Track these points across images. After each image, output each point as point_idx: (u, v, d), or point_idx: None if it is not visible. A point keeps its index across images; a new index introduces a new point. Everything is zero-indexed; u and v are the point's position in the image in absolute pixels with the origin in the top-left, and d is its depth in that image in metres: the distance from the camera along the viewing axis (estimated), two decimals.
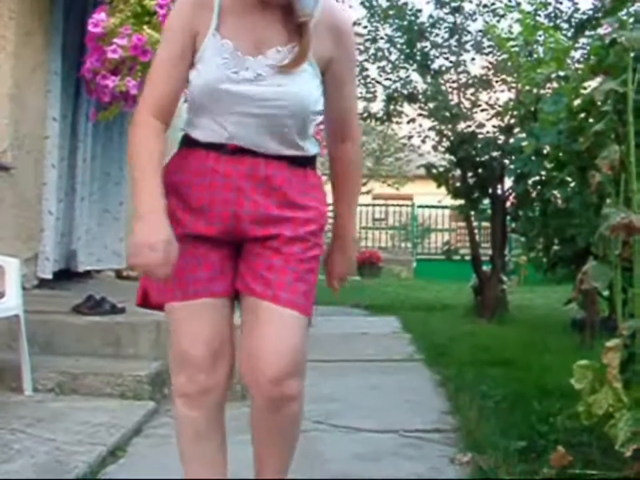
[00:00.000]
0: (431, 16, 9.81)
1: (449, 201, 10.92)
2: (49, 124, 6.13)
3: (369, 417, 3.51)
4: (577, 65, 7.55)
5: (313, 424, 3.38)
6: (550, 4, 9.33)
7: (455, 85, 9.87)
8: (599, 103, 3.46)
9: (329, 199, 2.23)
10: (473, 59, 9.92)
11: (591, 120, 4.33)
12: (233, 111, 2.05)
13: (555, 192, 6.72)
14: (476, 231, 10.66)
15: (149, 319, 4.56)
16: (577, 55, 8.23)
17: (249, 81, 2.03)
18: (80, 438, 3.31)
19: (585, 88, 4.97)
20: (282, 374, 2.03)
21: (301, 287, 2.09)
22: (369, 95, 10.14)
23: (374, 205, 21.08)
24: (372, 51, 9.97)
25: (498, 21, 9.66)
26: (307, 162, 2.17)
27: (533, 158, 6.85)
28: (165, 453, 3.36)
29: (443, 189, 9.72)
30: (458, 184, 9.59)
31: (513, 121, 9.00)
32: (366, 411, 3.48)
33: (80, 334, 4.59)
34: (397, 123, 10.80)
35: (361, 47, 9.79)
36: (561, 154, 5.16)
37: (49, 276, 6.08)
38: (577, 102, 4.99)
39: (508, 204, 9.29)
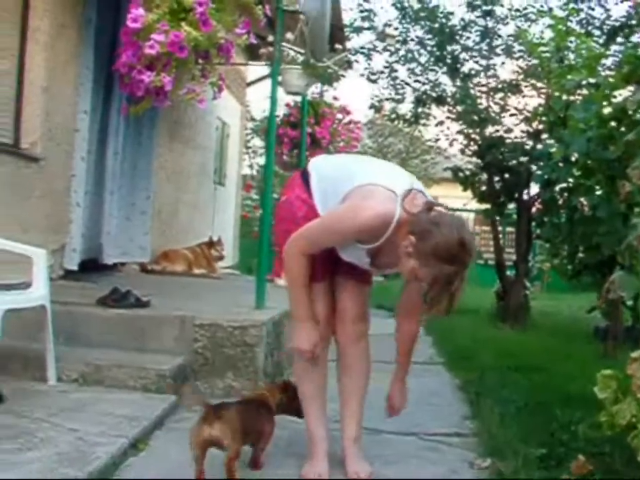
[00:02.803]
0: (462, 19, 9.81)
1: (474, 204, 10.91)
2: (80, 117, 6.19)
3: (389, 419, 3.51)
4: (607, 72, 7.50)
5: (334, 423, 3.38)
6: (582, 10, 9.28)
7: (484, 89, 9.85)
8: (631, 112, 3.45)
9: None
10: (503, 63, 9.90)
11: (622, 129, 4.31)
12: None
13: (582, 199, 6.69)
14: (500, 235, 10.63)
15: (174, 314, 4.59)
16: (608, 62, 8.17)
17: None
18: (102, 429, 3.33)
19: (615, 96, 4.95)
20: (356, 317, 3.24)
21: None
22: (397, 97, 10.12)
23: None
24: (402, 52, 9.96)
25: (529, 26, 9.64)
26: None
27: (561, 164, 6.82)
28: (186, 447, 3.38)
29: (469, 192, 9.71)
30: (484, 188, 9.57)
31: (541, 126, 8.96)
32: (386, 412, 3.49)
33: (104, 326, 4.62)
34: (425, 125, 10.79)
35: (392, 49, 9.80)
36: (589, 161, 5.14)
37: (75, 267, 6.14)
38: (607, 110, 4.98)
39: (533, 210, 9.25)
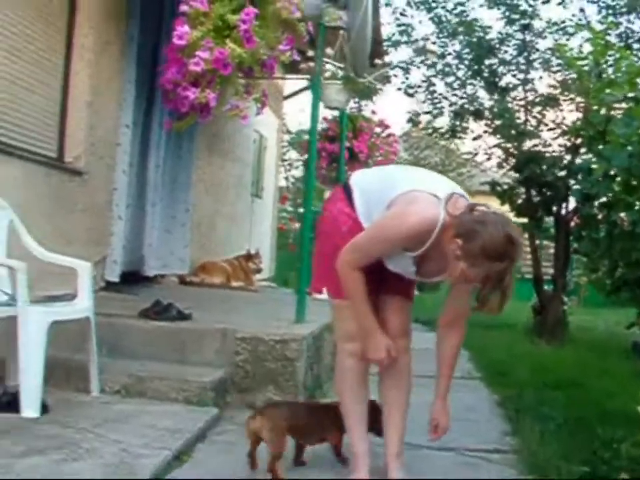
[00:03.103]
0: (499, 33, 9.81)
1: (510, 218, 10.83)
2: (122, 130, 6.28)
3: (427, 434, 3.52)
4: None
5: (374, 438, 3.41)
6: (621, 23, 9.25)
7: (521, 103, 9.83)
8: None
9: None
10: (541, 77, 9.88)
11: None
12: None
13: (622, 215, 6.64)
14: (537, 250, 10.57)
15: (215, 327, 4.64)
16: None
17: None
18: (146, 441, 3.38)
19: None
20: (399, 332, 3.29)
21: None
22: (435, 111, 10.13)
23: None
24: (440, 66, 9.98)
25: (567, 39, 9.61)
26: None
27: (600, 179, 6.79)
28: (229, 460, 3.43)
29: (505, 206, 9.68)
30: (521, 201, 9.55)
31: (579, 141, 8.92)
32: (425, 427, 3.49)
33: (146, 338, 4.67)
34: (461, 138, 10.80)
35: (430, 63, 9.82)
36: (631, 177, 5.11)
37: (116, 279, 6.22)
38: None
39: (572, 224, 9.21)
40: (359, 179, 3.30)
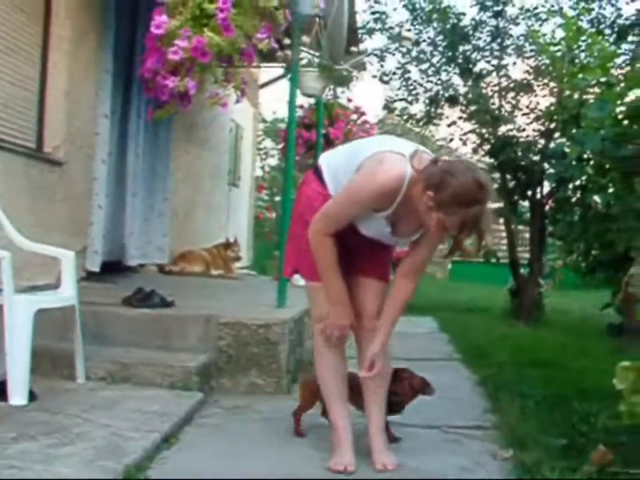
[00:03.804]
0: (473, 19, 9.89)
1: None
2: (100, 120, 6.28)
3: (412, 413, 3.60)
4: (618, 71, 7.56)
5: (359, 418, 3.48)
6: (593, 9, 9.35)
7: (496, 89, 9.92)
8: None
9: None
10: (514, 63, 9.96)
11: (635, 127, 4.38)
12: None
13: (596, 197, 6.75)
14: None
15: (198, 313, 4.69)
16: (618, 60, 8.24)
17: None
18: (134, 425, 3.42)
19: (628, 96, 5.02)
20: (375, 314, 3.32)
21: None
22: (410, 97, 10.19)
23: None
24: (414, 53, 10.04)
25: (540, 26, 9.71)
26: None
27: (574, 163, 6.88)
28: (216, 442, 3.50)
29: None
30: (496, 186, 9.65)
31: (553, 125, 9.03)
32: (409, 406, 3.57)
33: (130, 325, 4.71)
34: (436, 124, 10.87)
35: (404, 50, 9.88)
36: (604, 160, 5.20)
37: (97, 269, 6.23)
38: (620, 109, 5.04)
39: (546, 208, 9.33)
40: (326, 157, 3.41)
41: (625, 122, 4.95)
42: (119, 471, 2.83)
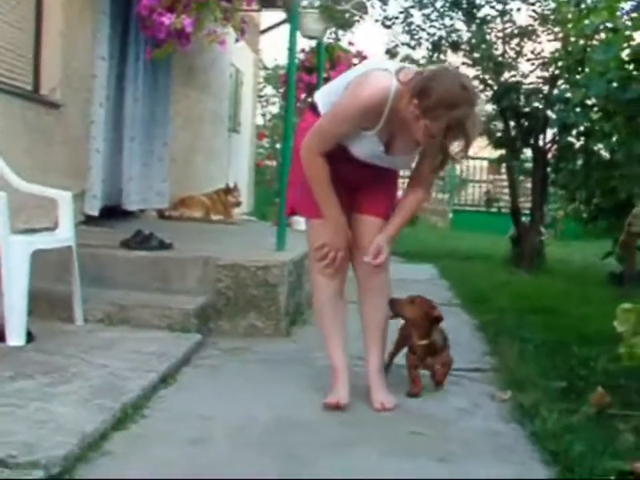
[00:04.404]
0: None
1: (486, 152, 10.91)
2: (97, 63, 6.18)
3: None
4: (625, 18, 7.44)
5: (355, 360, 3.48)
6: None
7: (500, 35, 9.77)
8: None
9: None
10: (519, 9, 9.79)
11: None
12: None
13: (600, 144, 6.70)
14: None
15: (197, 255, 4.67)
16: (626, 6, 8.09)
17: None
18: (132, 365, 3.42)
19: (634, 39, 4.93)
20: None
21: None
22: (413, 42, 10.04)
23: None
24: None
25: None
26: None
27: (578, 109, 6.82)
28: (214, 382, 3.51)
29: (480, 141, 9.70)
30: (499, 134, 9.57)
31: (557, 72, 8.91)
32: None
33: (128, 268, 4.69)
34: None
35: None
36: (609, 104, 5.13)
37: (96, 213, 6.19)
38: (626, 52, 4.96)
39: (549, 156, 9.26)
40: (320, 91, 3.45)
41: (631, 65, 4.88)
42: (116, 409, 2.83)
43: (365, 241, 3.30)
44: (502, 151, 9.71)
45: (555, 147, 8.94)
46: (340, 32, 9.44)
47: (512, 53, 9.65)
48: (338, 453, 2.69)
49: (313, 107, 3.30)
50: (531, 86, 9.33)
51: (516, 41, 9.72)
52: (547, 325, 4.96)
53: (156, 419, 2.93)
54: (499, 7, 9.73)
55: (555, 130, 8.46)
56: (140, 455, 2.56)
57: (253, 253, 4.87)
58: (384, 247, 3.20)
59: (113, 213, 6.70)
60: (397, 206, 3.36)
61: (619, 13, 6.44)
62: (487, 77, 9.43)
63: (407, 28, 9.99)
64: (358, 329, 3.44)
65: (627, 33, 4.60)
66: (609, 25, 5.63)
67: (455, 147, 2.92)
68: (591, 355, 3.94)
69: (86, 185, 6.13)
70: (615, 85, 5.00)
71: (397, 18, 10.05)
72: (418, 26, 10.01)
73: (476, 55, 9.40)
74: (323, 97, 3.29)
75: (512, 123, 9.40)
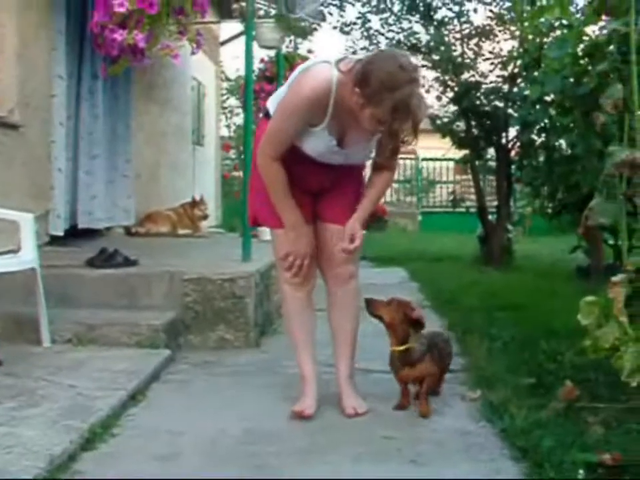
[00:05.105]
0: None
1: (451, 154, 10.97)
2: (55, 82, 6.14)
3: (379, 360, 3.58)
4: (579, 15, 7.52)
5: (325, 367, 3.48)
6: None
7: (458, 36, 9.84)
8: (603, 45, 3.49)
9: None
10: (475, 10, 9.87)
11: (595, 64, 4.35)
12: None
13: (560, 140, 6.76)
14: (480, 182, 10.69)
15: (163, 270, 4.66)
16: (580, 2, 8.19)
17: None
18: (101, 384, 3.40)
19: (587, 34, 4.99)
20: (343, 259, 3.29)
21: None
22: (372, 47, 10.07)
23: None
24: (374, 2, 9.92)
25: None
26: None
27: (537, 106, 6.88)
28: (184, 397, 3.50)
29: (447, 142, 9.77)
30: (462, 134, 9.62)
31: (516, 70, 9.00)
32: (376, 354, 3.57)
33: (94, 286, 4.67)
34: None
35: None
36: (565, 99, 5.18)
37: (61, 233, 6.15)
38: (580, 47, 5.02)
39: (512, 153, 9.33)
40: (271, 97, 3.41)
41: (585, 60, 4.93)
42: (84, 429, 2.81)
43: (332, 248, 3.29)
44: (466, 151, 9.77)
45: (518, 144, 9.00)
46: (298, 40, 9.41)
47: (471, 54, 9.73)
48: (309, 461, 2.69)
49: (267, 114, 3.30)
50: (490, 85, 9.41)
51: (474, 41, 9.80)
52: (516, 321, 4.99)
53: (125, 437, 2.91)
54: (456, 8, 9.80)
55: (517, 128, 8.51)
56: (109, 473, 2.55)
57: (219, 265, 4.86)
58: (357, 230, 3.18)
59: (79, 232, 6.66)
60: (367, 186, 3.35)
61: (572, 9, 6.52)
62: (446, 78, 9.48)
63: (365, 33, 10.03)
64: (328, 336, 3.44)
65: (578, 28, 4.63)
66: (564, 21, 5.70)
67: (406, 127, 2.88)
68: (558, 349, 3.96)
69: (49, 205, 6.09)
70: (570, 80, 5.06)
71: (355, 24, 10.08)
72: (376, 31, 10.05)
73: (435, 57, 9.45)
74: (273, 102, 3.27)
75: (474, 123, 9.46)
